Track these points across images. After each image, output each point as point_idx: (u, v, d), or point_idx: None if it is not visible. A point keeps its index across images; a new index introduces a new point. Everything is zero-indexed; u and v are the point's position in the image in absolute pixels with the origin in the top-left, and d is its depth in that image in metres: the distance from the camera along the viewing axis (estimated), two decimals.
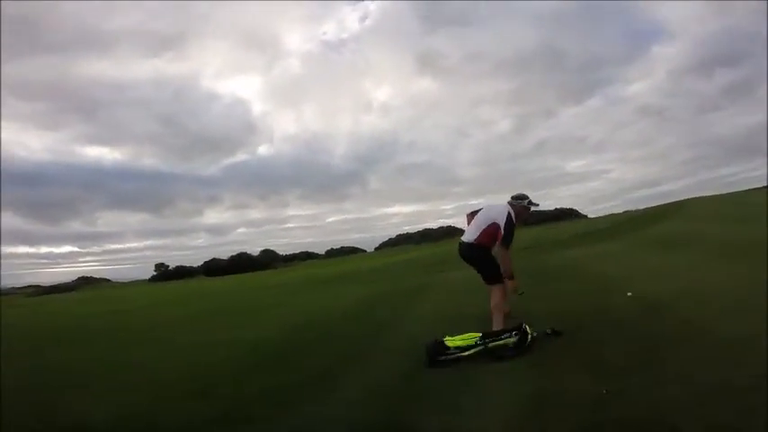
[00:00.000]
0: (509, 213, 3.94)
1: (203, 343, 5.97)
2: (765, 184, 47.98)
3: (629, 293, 4.95)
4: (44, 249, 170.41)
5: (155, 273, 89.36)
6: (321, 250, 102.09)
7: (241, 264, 78.14)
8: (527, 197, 4.17)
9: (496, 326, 3.81)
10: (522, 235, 11.14)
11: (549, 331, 3.81)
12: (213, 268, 79.72)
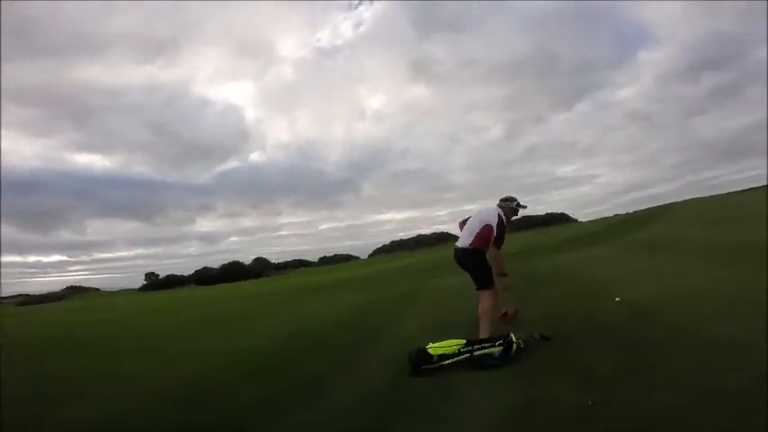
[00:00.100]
0: (500, 215, 4.02)
1: (195, 352, 5.92)
2: (765, 184, 48.72)
3: (618, 299, 5.01)
4: (32, 258, 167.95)
5: (145, 282, 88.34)
6: (314, 258, 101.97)
7: (233, 272, 77.46)
8: (516, 199, 4.27)
9: (483, 333, 3.79)
10: (513, 240, 11.24)
11: (537, 336, 3.84)
12: (204, 277, 78.89)
